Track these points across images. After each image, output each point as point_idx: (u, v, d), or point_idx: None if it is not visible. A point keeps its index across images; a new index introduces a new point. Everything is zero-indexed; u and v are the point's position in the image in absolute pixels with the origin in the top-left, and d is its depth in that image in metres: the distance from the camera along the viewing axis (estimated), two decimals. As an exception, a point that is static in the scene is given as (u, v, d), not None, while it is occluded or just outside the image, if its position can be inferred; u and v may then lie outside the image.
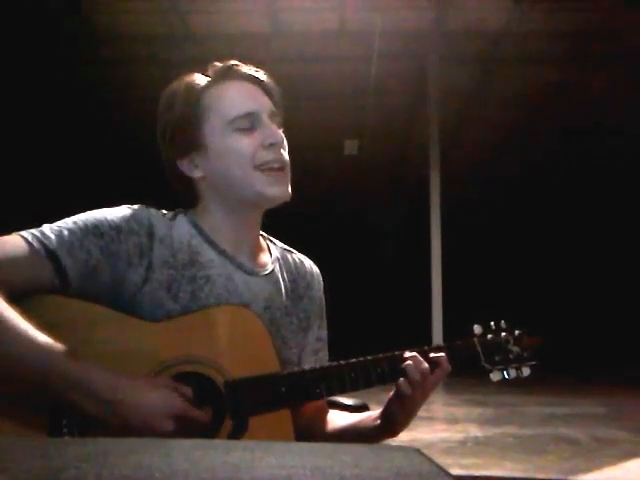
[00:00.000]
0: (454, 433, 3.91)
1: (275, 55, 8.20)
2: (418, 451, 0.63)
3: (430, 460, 0.60)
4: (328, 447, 0.67)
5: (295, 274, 1.25)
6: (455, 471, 2.69)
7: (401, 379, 1.10)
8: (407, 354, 1.12)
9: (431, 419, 4.63)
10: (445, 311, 8.11)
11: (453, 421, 4.54)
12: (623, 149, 10.93)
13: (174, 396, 0.96)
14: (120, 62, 8.67)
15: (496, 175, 12.22)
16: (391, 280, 13.68)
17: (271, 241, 1.28)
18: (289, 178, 1.15)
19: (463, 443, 3.55)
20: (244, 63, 1.22)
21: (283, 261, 1.25)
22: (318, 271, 1.31)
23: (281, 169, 1.13)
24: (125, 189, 7.40)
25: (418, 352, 1.12)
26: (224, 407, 1.01)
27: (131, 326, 1.04)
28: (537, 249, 13.36)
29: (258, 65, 1.23)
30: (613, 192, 12.34)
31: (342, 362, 1.12)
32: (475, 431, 3.99)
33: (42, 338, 0.94)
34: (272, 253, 1.24)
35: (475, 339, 1.20)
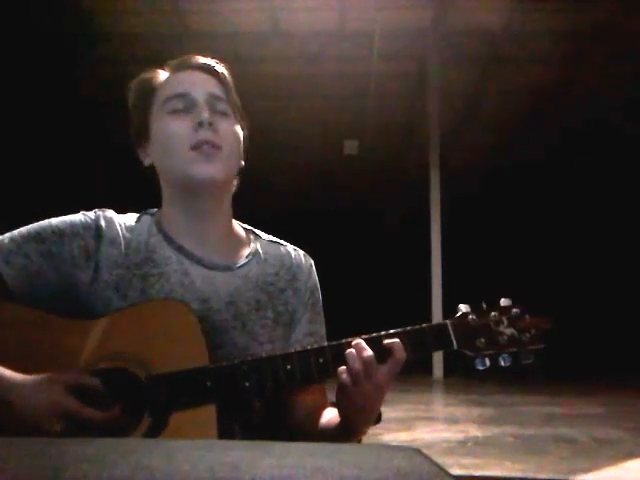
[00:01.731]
0: (454, 433, 3.90)
1: (274, 55, 8.20)
2: (418, 451, 0.63)
3: (430, 460, 0.60)
4: (328, 447, 0.66)
5: (279, 266, 1.20)
6: (455, 471, 2.68)
7: (341, 368, 1.00)
8: (353, 342, 1.01)
9: (431, 419, 4.63)
10: (445, 311, 8.11)
11: (453, 421, 4.53)
12: (623, 149, 10.93)
13: (63, 395, 0.95)
14: (120, 62, 8.67)
15: (496, 175, 12.21)
16: (391, 280, 13.67)
17: (255, 234, 1.25)
18: (223, 157, 1.11)
19: (463, 443, 3.55)
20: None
21: (265, 254, 1.21)
22: (310, 263, 1.26)
23: (211, 149, 1.10)
24: (124, 189, 7.39)
25: (368, 339, 1.02)
26: (144, 403, 0.98)
27: (59, 326, 1.04)
28: (537, 248, 13.35)
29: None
30: (613, 191, 12.34)
31: (279, 354, 1.04)
32: (475, 431, 3.98)
33: None
34: (250, 246, 1.21)
35: (448, 321, 1.05)
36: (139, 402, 0.99)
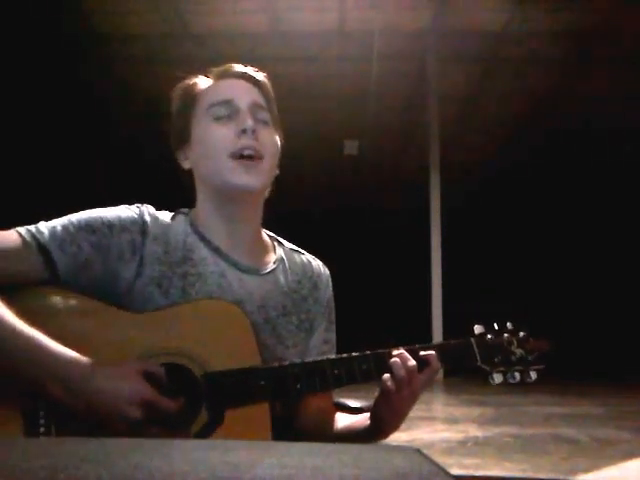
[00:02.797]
0: (454, 433, 3.91)
1: (275, 55, 8.20)
2: (418, 451, 0.63)
3: (430, 460, 0.60)
4: (328, 447, 0.66)
5: (301, 275, 1.25)
6: (455, 471, 2.69)
7: (386, 375, 1.08)
8: (395, 351, 1.10)
9: (431, 419, 4.63)
10: (445, 312, 8.11)
11: (453, 421, 4.53)
12: (623, 149, 10.93)
13: (142, 383, 0.97)
14: (120, 62, 8.68)
15: (496, 175, 12.22)
16: (391, 280, 13.68)
17: (279, 242, 1.28)
18: (263, 168, 1.14)
19: (463, 443, 3.55)
20: (244, 63, 1.23)
21: (289, 261, 1.25)
22: (328, 273, 1.31)
23: (252, 157, 1.13)
24: (123, 188, 7.39)
25: (407, 350, 1.10)
26: (201, 399, 1.02)
27: (116, 317, 1.06)
28: (537, 249, 13.36)
29: (258, 65, 1.24)
30: (613, 192, 12.34)
31: (326, 358, 1.10)
32: (475, 431, 3.98)
33: (19, 324, 0.96)
34: (276, 253, 1.24)
35: (472, 339, 1.17)
36: (196, 398, 1.01)
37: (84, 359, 0.97)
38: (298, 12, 7.75)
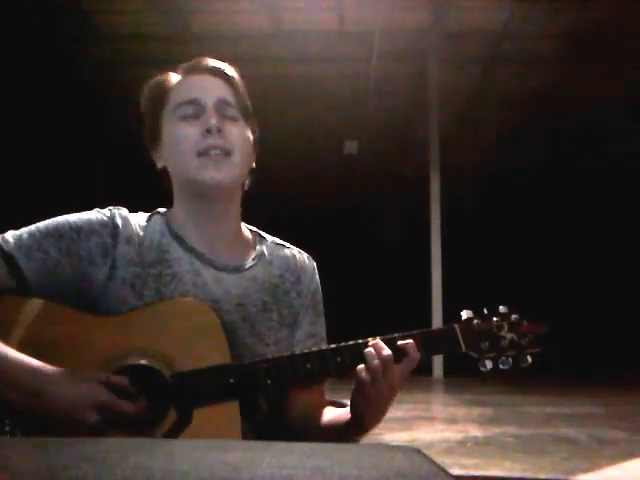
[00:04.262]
0: (454, 433, 3.90)
1: (275, 55, 8.21)
2: (418, 451, 0.63)
3: (430, 460, 0.60)
4: (328, 447, 0.66)
5: (284, 268, 1.23)
6: (455, 471, 2.68)
7: (360, 366, 1.04)
8: (371, 341, 1.06)
9: (431, 419, 4.63)
10: (445, 312, 8.11)
11: (453, 421, 4.53)
12: (622, 149, 10.93)
13: (99, 388, 0.97)
14: (120, 62, 8.68)
15: (496, 175, 12.21)
16: (391, 280, 13.67)
17: (261, 236, 1.26)
18: (232, 162, 1.13)
19: (463, 443, 3.55)
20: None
21: (270, 256, 1.23)
22: (313, 265, 1.28)
23: (220, 156, 1.12)
24: (123, 189, 7.39)
25: (384, 339, 1.06)
26: (169, 399, 1.01)
27: (84, 321, 1.06)
28: (538, 249, 13.35)
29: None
30: (613, 191, 12.34)
31: (298, 352, 1.09)
32: (475, 431, 3.98)
33: None
34: (256, 249, 1.22)
35: (456, 325, 1.11)
36: (164, 398, 1.01)
37: (40, 365, 0.97)
38: (298, 12, 7.75)
